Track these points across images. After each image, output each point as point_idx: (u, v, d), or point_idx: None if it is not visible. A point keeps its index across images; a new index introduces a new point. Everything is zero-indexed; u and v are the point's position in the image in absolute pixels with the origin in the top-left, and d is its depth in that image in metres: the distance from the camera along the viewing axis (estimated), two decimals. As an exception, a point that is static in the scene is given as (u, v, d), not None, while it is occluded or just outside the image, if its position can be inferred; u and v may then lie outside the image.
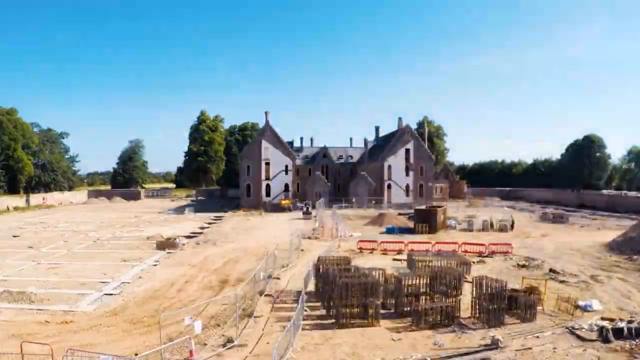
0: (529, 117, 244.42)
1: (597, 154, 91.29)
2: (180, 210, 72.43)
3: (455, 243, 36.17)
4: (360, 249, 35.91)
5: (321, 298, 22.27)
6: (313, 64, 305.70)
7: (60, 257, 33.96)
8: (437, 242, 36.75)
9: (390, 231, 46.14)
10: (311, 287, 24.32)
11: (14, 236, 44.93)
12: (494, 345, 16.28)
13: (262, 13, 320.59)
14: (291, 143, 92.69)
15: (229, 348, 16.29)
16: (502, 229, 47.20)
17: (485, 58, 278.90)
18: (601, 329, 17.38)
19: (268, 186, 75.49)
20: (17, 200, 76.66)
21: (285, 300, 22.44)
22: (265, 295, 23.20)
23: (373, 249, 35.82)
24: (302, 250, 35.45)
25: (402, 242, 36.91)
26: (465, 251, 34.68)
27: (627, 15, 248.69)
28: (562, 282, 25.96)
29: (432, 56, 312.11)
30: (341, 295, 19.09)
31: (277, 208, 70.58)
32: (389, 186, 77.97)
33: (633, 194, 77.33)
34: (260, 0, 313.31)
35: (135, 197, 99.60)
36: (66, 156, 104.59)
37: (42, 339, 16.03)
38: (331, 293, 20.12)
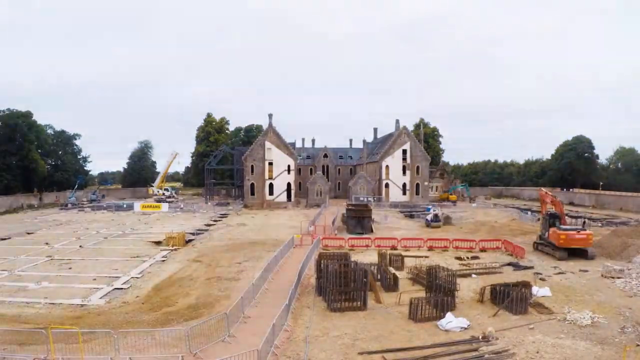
0: (523, 117, 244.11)
1: (586, 155, 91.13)
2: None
3: (447, 239, 36.07)
4: (352, 246, 35.37)
5: (322, 292, 22.27)
6: (314, 67, 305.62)
7: (73, 253, 33.97)
8: (429, 239, 36.61)
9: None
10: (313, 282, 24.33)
11: (28, 233, 44.98)
12: (487, 337, 16.27)
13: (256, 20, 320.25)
14: (293, 144, 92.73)
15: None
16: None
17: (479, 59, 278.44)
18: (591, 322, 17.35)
19: (271, 185, 75.51)
20: (32, 199, 76.79)
21: (284, 290, 22.43)
22: (267, 289, 23.25)
23: (367, 246, 35.58)
24: (301, 245, 35.32)
25: (395, 239, 36.78)
26: (457, 247, 34.61)
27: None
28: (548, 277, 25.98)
29: (429, 58, 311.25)
30: (333, 282, 20.07)
31: (280, 206, 70.60)
32: (387, 185, 77.95)
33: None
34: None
35: (145, 195, 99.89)
36: (78, 157, 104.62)
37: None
38: (327, 283, 20.73)
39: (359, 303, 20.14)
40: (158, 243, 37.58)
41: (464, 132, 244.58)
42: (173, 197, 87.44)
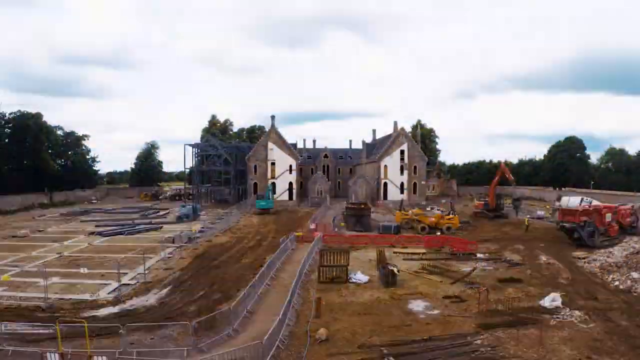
0: (516, 118, 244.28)
1: (578, 155, 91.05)
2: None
3: (443, 237, 36.05)
4: (352, 243, 35.37)
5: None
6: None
7: (82, 250, 33.99)
8: (426, 237, 36.57)
9: None
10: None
11: (39, 231, 45.02)
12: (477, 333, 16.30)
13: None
14: (294, 144, 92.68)
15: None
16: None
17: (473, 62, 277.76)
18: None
19: (273, 185, 75.52)
20: (42, 198, 76.83)
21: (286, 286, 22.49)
22: (272, 278, 23.37)
23: (366, 243, 35.50)
24: (302, 243, 35.29)
25: (393, 236, 36.76)
26: (452, 245, 34.56)
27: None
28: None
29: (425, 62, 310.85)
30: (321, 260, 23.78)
31: (282, 205, 70.47)
32: (385, 184, 77.98)
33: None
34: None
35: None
36: (87, 157, 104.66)
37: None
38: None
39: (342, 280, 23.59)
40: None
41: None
42: None
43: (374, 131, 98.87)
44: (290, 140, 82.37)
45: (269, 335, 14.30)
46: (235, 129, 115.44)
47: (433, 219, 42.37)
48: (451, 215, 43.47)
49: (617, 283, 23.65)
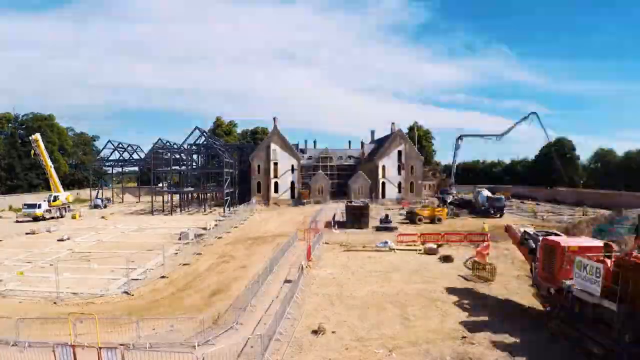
0: (509, 119, 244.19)
1: (567, 155, 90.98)
2: None
3: (439, 234, 36.04)
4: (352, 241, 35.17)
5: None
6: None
7: (92, 247, 33.99)
8: (422, 234, 36.53)
9: None
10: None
11: (51, 228, 44.98)
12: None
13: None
14: (296, 145, 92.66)
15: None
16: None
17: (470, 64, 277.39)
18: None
19: (276, 184, 75.60)
20: (54, 196, 76.81)
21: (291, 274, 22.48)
22: (275, 273, 23.27)
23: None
24: (304, 240, 35.24)
25: (390, 234, 36.69)
26: (448, 240, 34.60)
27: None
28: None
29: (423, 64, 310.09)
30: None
31: (284, 203, 70.50)
32: (383, 184, 77.99)
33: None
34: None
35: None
36: (97, 157, 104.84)
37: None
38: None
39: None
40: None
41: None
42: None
43: (372, 132, 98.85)
44: (292, 140, 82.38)
45: (271, 328, 14.28)
46: (238, 130, 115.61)
47: (427, 213, 48.76)
48: (440, 208, 51.16)
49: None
